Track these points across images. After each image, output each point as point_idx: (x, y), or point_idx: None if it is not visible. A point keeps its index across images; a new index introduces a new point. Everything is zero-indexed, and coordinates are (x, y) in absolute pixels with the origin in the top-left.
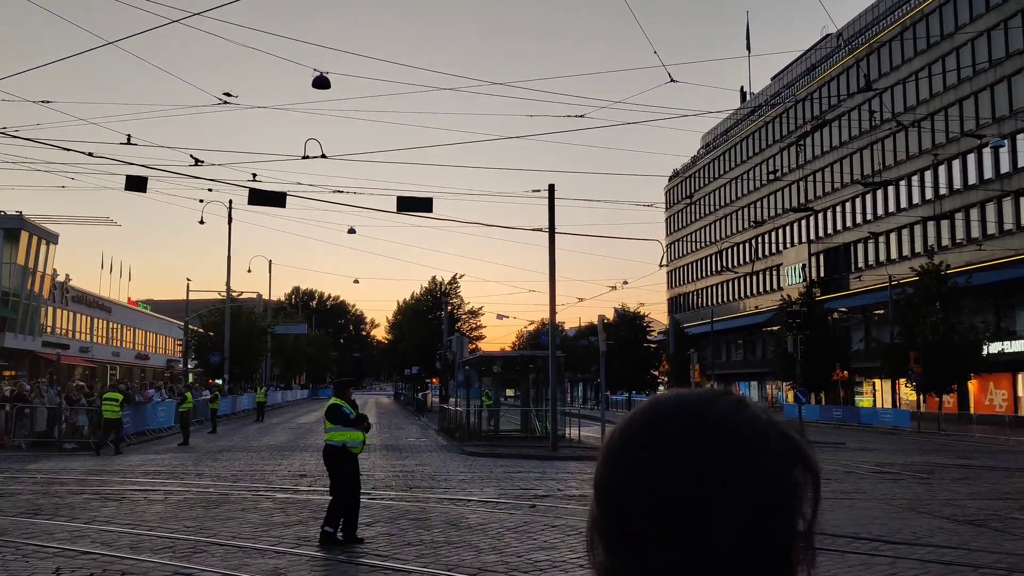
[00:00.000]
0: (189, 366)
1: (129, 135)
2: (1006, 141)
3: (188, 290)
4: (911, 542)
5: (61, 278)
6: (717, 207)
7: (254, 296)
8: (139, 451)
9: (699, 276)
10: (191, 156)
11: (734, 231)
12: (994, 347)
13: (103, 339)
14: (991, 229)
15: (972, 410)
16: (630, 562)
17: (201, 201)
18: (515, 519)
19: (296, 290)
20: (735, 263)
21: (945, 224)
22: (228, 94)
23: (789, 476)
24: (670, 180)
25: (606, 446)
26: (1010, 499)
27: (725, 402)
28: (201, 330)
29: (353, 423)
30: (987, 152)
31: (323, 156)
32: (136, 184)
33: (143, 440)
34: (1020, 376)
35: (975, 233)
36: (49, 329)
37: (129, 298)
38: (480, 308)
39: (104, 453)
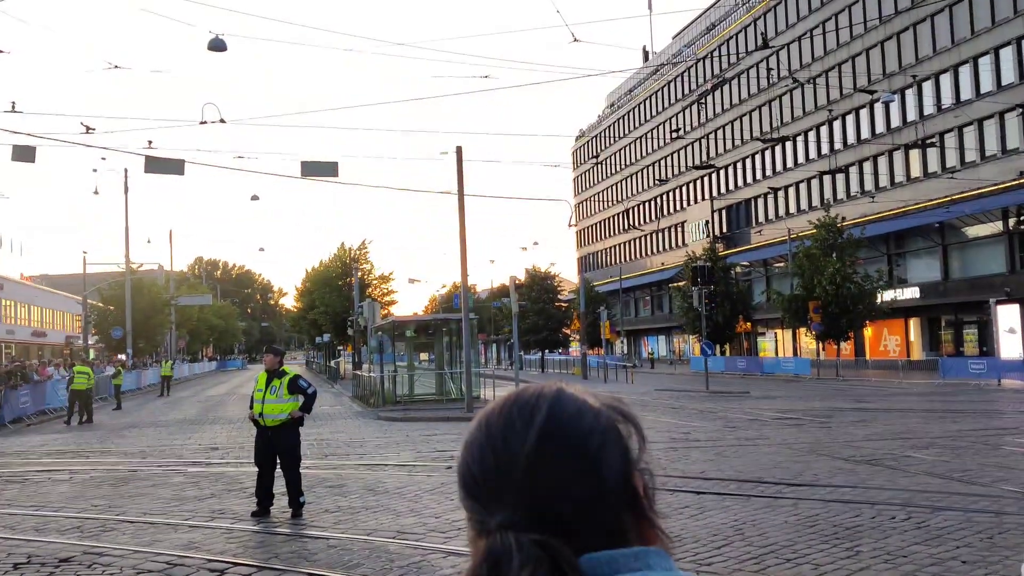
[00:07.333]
0: (90, 342)
1: (14, 102)
2: (895, 96)
3: (85, 264)
4: (812, 483)
5: None
6: (623, 166)
7: (155, 268)
8: (40, 431)
9: (607, 235)
10: (82, 124)
11: (640, 190)
12: (887, 295)
13: None
14: (883, 182)
15: (868, 356)
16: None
17: (95, 171)
18: (432, 481)
19: (199, 260)
20: (642, 221)
21: (840, 178)
22: (116, 65)
23: (618, 431)
24: (576, 140)
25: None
26: (903, 439)
27: (551, 390)
28: (101, 304)
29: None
30: (878, 107)
31: (222, 121)
32: (24, 154)
33: (44, 419)
34: (912, 322)
35: (868, 186)
36: None
37: (22, 273)
38: (391, 273)
39: (74, 423)
